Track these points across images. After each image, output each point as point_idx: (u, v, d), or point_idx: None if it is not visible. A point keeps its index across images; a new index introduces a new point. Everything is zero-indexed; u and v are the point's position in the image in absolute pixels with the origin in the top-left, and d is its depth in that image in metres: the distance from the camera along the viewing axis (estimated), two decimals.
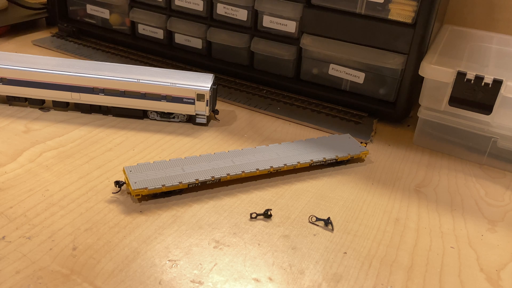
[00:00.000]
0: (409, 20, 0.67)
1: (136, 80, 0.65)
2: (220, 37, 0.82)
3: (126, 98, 0.67)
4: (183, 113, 0.68)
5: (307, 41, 0.75)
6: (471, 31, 0.81)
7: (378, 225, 0.52)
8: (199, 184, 0.54)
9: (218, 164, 0.56)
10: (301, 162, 0.59)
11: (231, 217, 0.51)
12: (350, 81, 0.76)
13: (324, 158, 0.60)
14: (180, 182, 0.52)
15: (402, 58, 0.69)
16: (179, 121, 0.69)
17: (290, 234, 0.49)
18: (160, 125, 0.68)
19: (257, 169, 0.56)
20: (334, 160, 0.61)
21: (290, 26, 0.76)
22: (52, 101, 0.68)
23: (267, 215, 0.51)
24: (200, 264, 0.44)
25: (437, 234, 0.52)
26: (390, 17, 0.68)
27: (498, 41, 0.77)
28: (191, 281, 0.42)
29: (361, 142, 0.67)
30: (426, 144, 0.69)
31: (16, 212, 0.49)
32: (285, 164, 0.58)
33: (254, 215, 0.51)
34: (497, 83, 0.60)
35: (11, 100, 0.69)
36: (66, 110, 0.69)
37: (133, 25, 0.90)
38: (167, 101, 0.67)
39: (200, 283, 0.42)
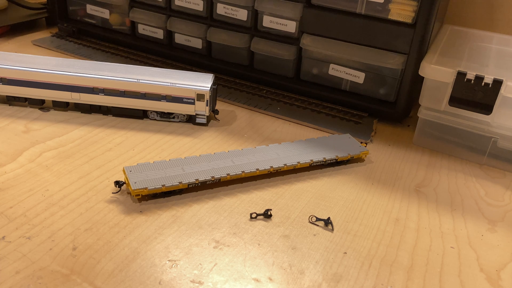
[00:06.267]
0: (409, 20, 0.67)
1: (136, 80, 0.65)
2: (220, 37, 0.82)
3: (126, 98, 0.67)
4: (183, 113, 0.68)
5: (307, 41, 0.75)
6: (471, 31, 0.81)
7: (378, 225, 0.52)
8: (199, 184, 0.54)
9: (218, 164, 0.56)
10: (301, 162, 0.59)
11: (231, 217, 0.51)
12: (350, 81, 0.76)
13: (324, 158, 0.60)
14: (180, 182, 0.52)
15: (402, 58, 0.69)
16: (179, 121, 0.69)
17: (290, 234, 0.49)
18: (160, 125, 0.68)
19: (257, 169, 0.56)
20: (334, 160, 0.61)
21: (290, 26, 0.76)
22: (52, 101, 0.68)
23: (267, 215, 0.51)
24: (200, 264, 0.44)
25: (437, 234, 0.52)
26: (390, 17, 0.68)
27: (498, 41, 0.77)
28: (191, 281, 0.42)
29: (361, 142, 0.67)
30: (426, 144, 0.69)
31: (16, 212, 0.49)
32: (285, 164, 0.58)
33: (254, 215, 0.51)
34: (497, 83, 0.60)
35: (11, 100, 0.69)
36: (66, 110, 0.69)
37: (133, 25, 0.90)
38: (167, 101, 0.67)
39: (200, 283, 0.42)
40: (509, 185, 0.62)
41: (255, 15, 0.78)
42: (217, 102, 0.77)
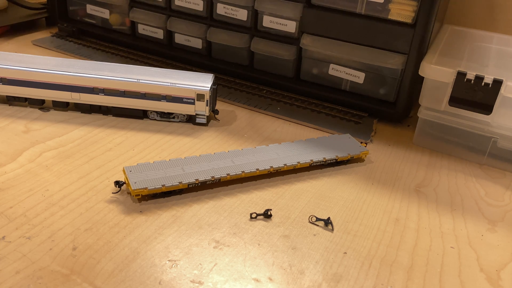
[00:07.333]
0: (409, 20, 0.67)
1: (136, 80, 0.65)
2: (220, 37, 0.82)
3: (126, 98, 0.67)
4: (183, 113, 0.68)
5: (307, 41, 0.75)
6: (471, 31, 0.81)
7: (378, 225, 0.52)
8: (199, 184, 0.54)
9: (218, 164, 0.56)
10: (301, 162, 0.59)
11: (231, 217, 0.51)
12: (350, 81, 0.76)
13: (324, 158, 0.60)
14: (180, 182, 0.52)
15: (402, 58, 0.69)
16: (179, 121, 0.69)
17: (290, 234, 0.49)
18: (160, 125, 0.68)
19: (257, 169, 0.56)
20: (334, 160, 0.61)
21: (290, 26, 0.76)
22: (52, 101, 0.68)
23: (267, 215, 0.51)
24: (200, 264, 0.44)
25: (437, 234, 0.52)
26: (390, 17, 0.68)
27: (498, 41, 0.77)
28: (191, 281, 0.42)
29: (361, 142, 0.67)
30: (426, 144, 0.69)
31: (16, 212, 0.49)
32: (285, 164, 0.58)
33: (254, 215, 0.51)
34: (497, 83, 0.60)
35: (11, 100, 0.69)
36: (66, 110, 0.69)
37: (133, 25, 0.90)
38: (167, 101, 0.67)
39: (200, 283, 0.42)
40: (509, 185, 0.62)
41: (255, 15, 0.78)
42: (217, 102, 0.77)
